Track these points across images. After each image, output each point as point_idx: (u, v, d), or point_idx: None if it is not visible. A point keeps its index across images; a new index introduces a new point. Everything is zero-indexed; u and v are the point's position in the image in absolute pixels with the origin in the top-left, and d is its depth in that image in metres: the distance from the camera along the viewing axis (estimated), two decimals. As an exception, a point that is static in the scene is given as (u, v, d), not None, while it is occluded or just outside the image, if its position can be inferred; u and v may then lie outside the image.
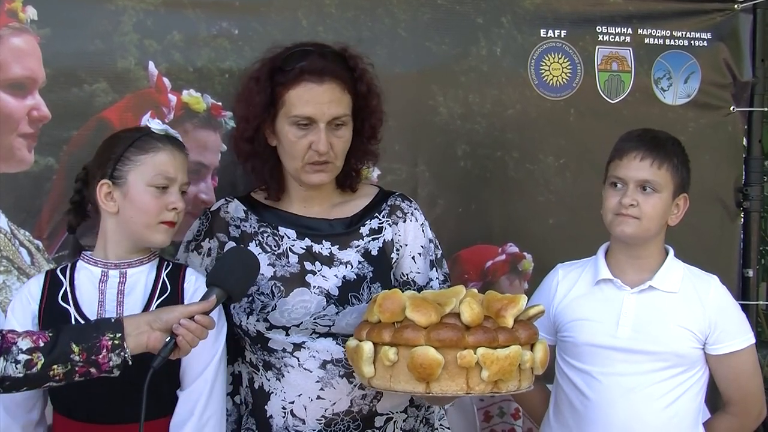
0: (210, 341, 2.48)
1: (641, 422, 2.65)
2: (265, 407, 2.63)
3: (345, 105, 2.61)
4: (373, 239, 2.69)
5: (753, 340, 2.74)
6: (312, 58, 2.61)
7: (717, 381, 2.75)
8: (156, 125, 2.58)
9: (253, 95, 2.64)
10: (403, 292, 2.44)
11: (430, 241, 2.77)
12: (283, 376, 2.59)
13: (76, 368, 2.20)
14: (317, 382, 2.57)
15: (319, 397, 2.57)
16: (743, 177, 3.46)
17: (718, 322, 2.68)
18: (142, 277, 2.55)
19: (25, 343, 2.19)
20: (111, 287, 2.52)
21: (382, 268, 2.66)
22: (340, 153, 2.62)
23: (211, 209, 2.74)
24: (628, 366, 2.66)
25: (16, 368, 2.17)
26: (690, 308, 2.69)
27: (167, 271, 2.58)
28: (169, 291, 2.54)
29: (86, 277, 2.55)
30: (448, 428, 2.82)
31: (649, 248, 2.73)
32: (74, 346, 2.20)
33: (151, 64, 2.90)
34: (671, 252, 2.76)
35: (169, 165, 2.53)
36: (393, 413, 2.64)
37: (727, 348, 2.69)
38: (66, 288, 2.53)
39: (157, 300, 2.52)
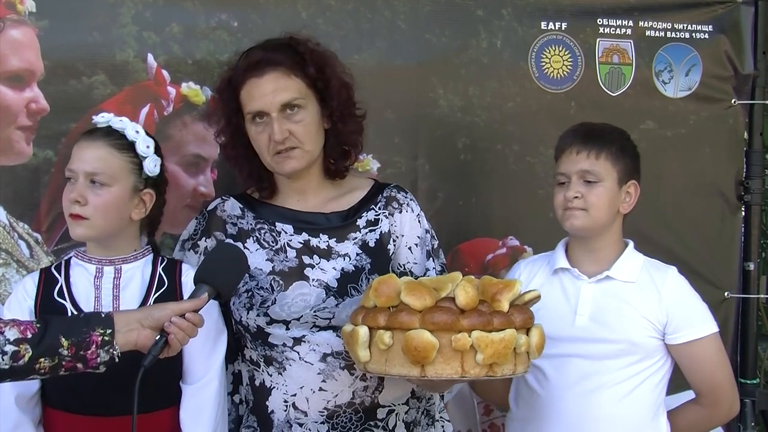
0: (215, 335, 2.51)
1: (596, 411, 2.66)
2: (266, 403, 2.62)
3: (293, 89, 2.60)
4: (370, 231, 2.68)
5: (714, 329, 2.71)
6: (252, 54, 2.63)
7: (684, 374, 2.74)
8: (98, 118, 2.57)
9: (220, 105, 2.68)
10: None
11: (427, 231, 2.76)
12: (285, 369, 2.58)
13: (63, 362, 2.14)
14: (318, 374, 2.56)
15: (321, 389, 2.56)
16: (744, 170, 3.46)
17: (674, 311, 2.69)
18: (137, 272, 2.54)
19: (12, 333, 2.11)
20: (106, 283, 2.52)
21: (380, 259, 2.65)
22: (303, 137, 2.60)
23: (208, 208, 2.73)
24: (582, 356, 2.68)
25: (3, 359, 2.08)
26: (646, 298, 2.70)
27: (163, 265, 2.57)
28: (166, 285, 2.53)
29: (81, 274, 2.54)
30: (449, 420, 2.82)
31: (604, 239, 2.74)
32: (63, 339, 2.13)
33: (150, 57, 2.90)
34: (631, 245, 2.77)
35: (73, 157, 2.52)
36: (395, 405, 2.63)
37: (686, 337, 2.68)
38: (61, 284, 2.53)
39: (155, 294, 2.52)
